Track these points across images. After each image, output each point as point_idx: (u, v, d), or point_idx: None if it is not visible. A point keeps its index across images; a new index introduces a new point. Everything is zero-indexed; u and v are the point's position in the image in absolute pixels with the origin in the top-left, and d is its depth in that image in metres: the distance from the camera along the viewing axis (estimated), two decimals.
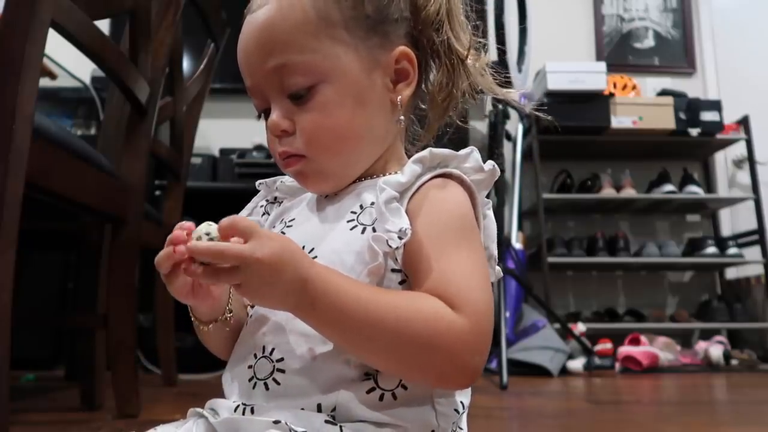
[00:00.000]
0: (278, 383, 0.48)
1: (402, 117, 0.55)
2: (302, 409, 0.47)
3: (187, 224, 0.46)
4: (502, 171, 2.65)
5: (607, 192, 3.00)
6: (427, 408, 0.49)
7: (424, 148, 0.53)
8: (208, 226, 0.45)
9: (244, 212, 0.63)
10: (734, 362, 2.61)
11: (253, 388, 0.49)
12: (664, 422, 1.36)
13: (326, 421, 0.46)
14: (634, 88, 3.14)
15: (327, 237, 0.52)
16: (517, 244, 2.74)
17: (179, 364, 1.84)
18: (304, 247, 0.51)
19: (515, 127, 2.96)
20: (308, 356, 0.48)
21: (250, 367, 0.50)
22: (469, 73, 0.56)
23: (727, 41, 3.38)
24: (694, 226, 3.33)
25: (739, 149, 3.22)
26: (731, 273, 3.22)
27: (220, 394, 0.52)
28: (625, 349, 2.48)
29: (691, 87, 3.27)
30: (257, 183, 0.63)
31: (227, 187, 2.57)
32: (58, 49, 1.12)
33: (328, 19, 0.51)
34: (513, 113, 2.69)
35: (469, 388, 0.53)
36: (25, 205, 0.84)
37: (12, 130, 0.82)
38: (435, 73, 0.57)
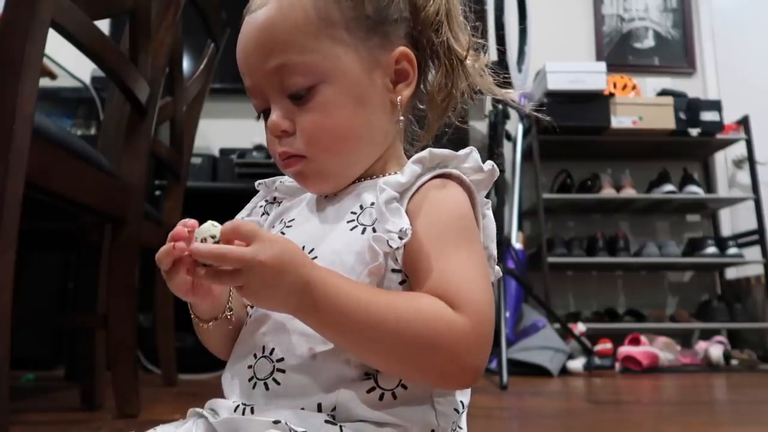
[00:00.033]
0: (278, 383, 0.48)
1: (401, 117, 0.55)
2: (302, 408, 0.47)
3: (191, 221, 0.46)
4: (502, 171, 2.66)
5: (607, 192, 3.00)
6: (426, 407, 0.49)
7: (423, 149, 0.53)
8: (213, 227, 0.45)
9: (243, 212, 0.63)
10: (734, 362, 2.61)
11: (253, 388, 0.49)
12: (664, 422, 1.36)
13: (326, 421, 0.46)
14: (634, 88, 3.14)
15: (327, 237, 0.52)
16: (517, 244, 2.75)
17: (179, 364, 1.84)
18: (303, 248, 0.51)
19: (515, 127, 2.96)
20: (308, 356, 0.48)
21: (250, 366, 0.50)
22: (468, 73, 0.56)
23: (727, 41, 3.38)
24: (694, 226, 3.33)
25: (739, 149, 3.22)
26: (731, 273, 3.22)
27: (220, 394, 0.52)
28: (625, 349, 2.48)
29: (691, 87, 3.27)
30: (256, 183, 0.63)
31: (227, 187, 2.57)
32: (58, 49, 1.13)
33: (328, 19, 0.51)
34: (513, 113, 2.69)
35: (469, 388, 0.53)
36: (25, 205, 0.84)
37: (12, 130, 0.82)
38: (434, 74, 0.57)
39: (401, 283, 0.49)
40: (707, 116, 2.96)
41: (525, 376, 2.18)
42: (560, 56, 3.05)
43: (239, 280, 0.43)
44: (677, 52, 3.41)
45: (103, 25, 2.23)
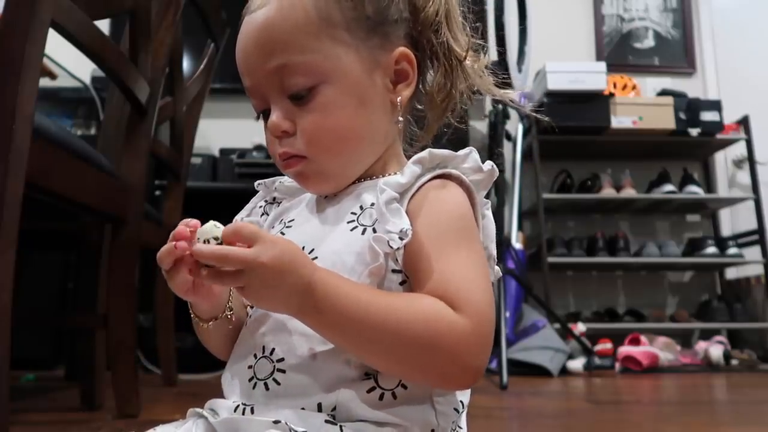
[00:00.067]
0: (278, 383, 0.48)
1: (401, 117, 0.56)
2: (302, 408, 0.47)
3: (193, 221, 0.46)
4: (502, 171, 2.66)
5: (607, 192, 3.00)
6: (426, 407, 0.49)
7: (422, 149, 0.53)
8: (215, 228, 0.45)
9: (243, 213, 0.63)
10: (734, 362, 2.61)
11: (253, 388, 0.49)
12: (664, 422, 1.36)
13: (326, 421, 0.46)
14: (634, 88, 3.14)
15: (327, 238, 0.52)
16: (517, 244, 2.74)
17: (179, 364, 1.84)
18: (304, 248, 0.51)
19: (515, 127, 2.96)
20: (308, 356, 0.48)
21: (250, 367, 0.50)
22: (467, 74, 0.56)
23: (727, 41, 3.38)
24: (694, 226, 3.33)
25: (739, 149, 3.22)
26: (731, 273, 3.22)
27: (220, 394, 0.52)
28: (625, 349, 2.48)
29: (691, 87, 3.27)
30: (256, 183, 0.63)
31: (227, 187, 2.57)
32: (58, 49, 1.13)
33: (329, 19, 0.51)
34: (513, 113, 2.69)
35: (469, 388, 0.53)
36: (25, 205, 0.84)
37: (12, 130, 0.82)
38: (433, 74, 0.57)
39: (402, 283, 0.49)
40: (707, 116, 2.96)
41: (525, 376, 2.18)
42: (560, 56, 3.05)
43: (241, 281, 0.43)
44: (677, 52, 3.41)
45: (103, 25, 2.23)
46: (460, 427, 0.53)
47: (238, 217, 0.62)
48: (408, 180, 0.51)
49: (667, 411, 1.59)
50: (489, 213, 0.55)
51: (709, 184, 3.28)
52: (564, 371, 2.32)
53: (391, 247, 0.47)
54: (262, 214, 0.61)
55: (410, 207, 0.50)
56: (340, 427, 0.46)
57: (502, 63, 2.03)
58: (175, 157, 1.76)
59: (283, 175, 0.58)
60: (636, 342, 2.53)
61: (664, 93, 3.13)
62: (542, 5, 2.95)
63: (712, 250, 2.95)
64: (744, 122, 3.05)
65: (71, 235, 1.61)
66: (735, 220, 3.27)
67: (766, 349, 2.88)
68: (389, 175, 0.54)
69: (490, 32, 2.02)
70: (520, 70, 2.35)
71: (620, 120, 2.93)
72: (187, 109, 1.83)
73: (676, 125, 2.95)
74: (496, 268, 0.56)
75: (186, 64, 1.88)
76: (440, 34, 0.55)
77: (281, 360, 0.49)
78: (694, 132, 2.96)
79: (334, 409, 0.47)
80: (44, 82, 1.97)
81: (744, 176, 3.23)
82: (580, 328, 2.52)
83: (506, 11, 2.11)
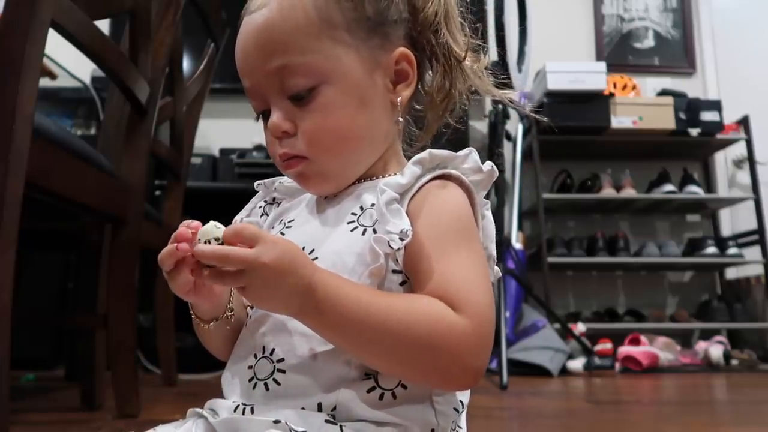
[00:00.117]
0: (278, 383, 0.48)
1: (401, 118, 0.56)
2: (302, 408, 0.47)
3: (195, 223, 0.46)
4: (502, 171, 2.66)
5: (607, 192, 3.00)
6: (426, 407, 0.49)
7: (422, 149, 0.53)
8: (215, 229, 0.45)
9: (242, 213, 0.63)
10: (734, 362, 2.61)
11: (254, 388, 0.49)
12: (664, 422, 1.36)
13: (326, 421, 0.46)
14: (634, 88, 3.14)
15: (328, 239, 0.52)
16: (517, 244, 2.75)
17: (179, 364, 1.84)
18: (304, 248, 0.51)
19: (515, 127, 2.96)
20: (309, 356, 0.48)
21: (250, 367, 0.50)
22: (467, 75, 0.56)
23: (727, 41, 3.38)
24: (694, 226, 3.33)
25: (739, 149, 3.22)
26: (731, 273, 3.22)
27: (220, 394, 0.52)
28: (625, 349, 2.48)
29: (691, 87, 3.27)
30: (255, 184, 0.63)
31: (227, 187, 2.57)
32: (58, 49, 1.13)
33: (329, 20, 0.51)
34: (513, 113, 2.69)
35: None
36: (25, 205, 0.85)
37: (12, 130, 0.82)
38: (433, 75, 0.57)
39: (402, 284, 0.49)
40: (707, 116, 2.96)
41: (525, 376, 2.18)
42: (560, 56, 3.05)
43: (242, 281, 0.43)
44: (677, 52, 3.41)
45: (103, 25, 2.23)
46: (460, 427, 0.53)
47: (237, 218, 0.62)
48: (408, 180, 0.51)
49: (667, 411, 1.59)
50: (489, 213, 0.55)
51: (709, 184, 3.28)
52: (564, 371, 2.32)
53: (392, 248, 0.47)
54: (262, 215, 0.61)
55: (410, 207, 0.50)
56: (340, 426, 0.46)
57: (502, 63, 2.03)
58: (175, 157, 1.76)
59: (283, 175, 0.58)
60: (636, 342, 2.53)
61: (664, 93, 3.13)
62: (542, 5, 2.95)
63: (712, 250, 2.95)
64: (744, 122, 3.05)
65: (71, 235, 1.61)
66: (735, 220, 3.27)
67: (766, 349, 2.88)
68: (389, 175, 0.54)
69: (490, 32, 2.02)
70: (520, 70, 2.35)
71: (620, 120, 2.94)
72: (187, 109, 1.83)
73: (676, 125, 2.95)
74: (496, 268, 0.56)
75: (186, 64, 1.88)
76: (440, 34, 0.56)
77: (281, 360, 0.49)
78: (694, 132, 2.96)
79: (334, 408, 0.47)
80: (44, 82, 1.97)
81: (744, 176, 3.23)
82: (580, 328, 2.52)
83: (506, 11, 2.11)
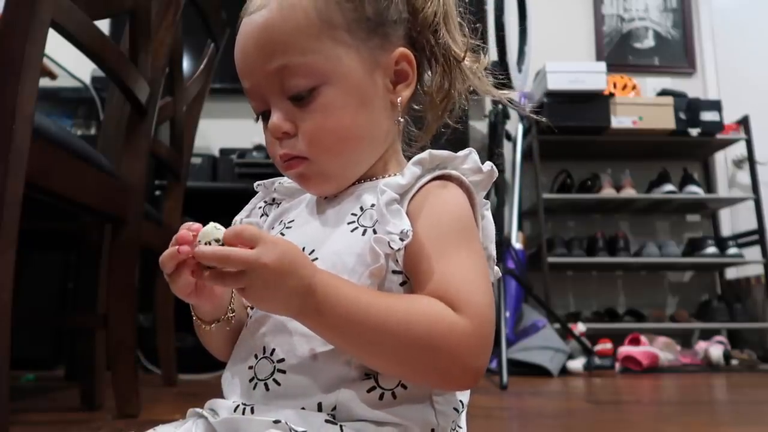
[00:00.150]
0: (278, 383, 0.48)
1: (401, 118, 0.56)
2: (302, 408, 0.47)
3: (195, 225, 0.46)
4: (502, 171, 2.66)
5: (607, 192, 3.00)
6: (426, 407, 0.49)
7: (422, 149, 0.53)
8: (216, 230, 0.45)
9: (242, 213, 0.63)
10: (734, 362, 2.61)
11: (254, 388, 0.49)
12: (664, 422, 1.36)
13: (327, 421, 0.46)
14: (634, 88, 3.14)
15: (328, 239, 0.52)
16: (517, 244, 2.75)
17: (179, 364, 1.84)
18: (304, 249, 0.51)
19: (515, 127, 2.96)
20: (309, 356, 0.48)
21: (250, 367, 0.50)
22: (466, 75, 0.56)
23: (727, 41, 3.38)
24: (694, 226, 3.33)
25: (739, 149, 3.22)
26: (731, 273, 3.22)
27: (220, 394, 0.52)
28: (625, 349, 2.48)
29: (691, 87, 3.27)
30: (255, 184, 0.63)
31: (227, 187, 2.57)
32: (58, 49, 1.13)
33: (330, 21, 0.51)
34: (513, 113, 2.69)
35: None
36: (25, 205, 0.85)
37: (12, 130, 0.82)
38: (432, 75, 0.58)
39: (402, 284, 0.49)
40: (707, 116, 2.97)
41: (525, 376, 2.18)
42: (560, 56, 3.05)
43: (242, 282, 0.43)
44: (677, 52, 3.41)
45: (103, 25, 2.23)
46: (460, 427, 0.53)
47: (237, 218, 0.62)
48: (408, 181, 0.51)
49: (667, 411, 1.59)
50: (488, 213, 0.56)
51: (709, 184, 3.28)
52: (564, 371, 2.32)
53: (392, 248, 0.47)
54: (262, 215, 0.61)
55: (410, 208, 0.50)
56: (341, 426, 0.46)
57: (502, 63, 2.03)
58: (175, 157, 1.76)
59: (283, 175, 0.58)
60: (636, 342, 2.53)
61: (664, 93, 3.13)
62: (542, 5, 2.95)
63: (712, 250, 2.95)
64: (744, 122, 3.05)
65: (71, 235, 1.61)
66: (735, 220, 3.27)
67: (766, 349, 2.88)
68: (389, 176, 0.55)
69: (491, 32, 2.02)
70: (520, 70, 2.35)
71: (620, 120, 2.94)
72: (187, 109, 1.83)
73: (676, 125, 2.95)
74: (496, 268, 0.56)
75: (186, 64, 1.88)
76: (439, 34, 0.56)
77: (281, 360, 0.49)
78: (694, 132, 2.96)
79: (334, 408, 0.47)
80: (44, 82, 1.96)
81: (744, 176, 3.23)
82: (580, 328, 2.52)
83: (506, 11, 2.11)
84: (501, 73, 0.60)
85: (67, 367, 2.03)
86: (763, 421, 1.40)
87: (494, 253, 0.55)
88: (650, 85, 3.30)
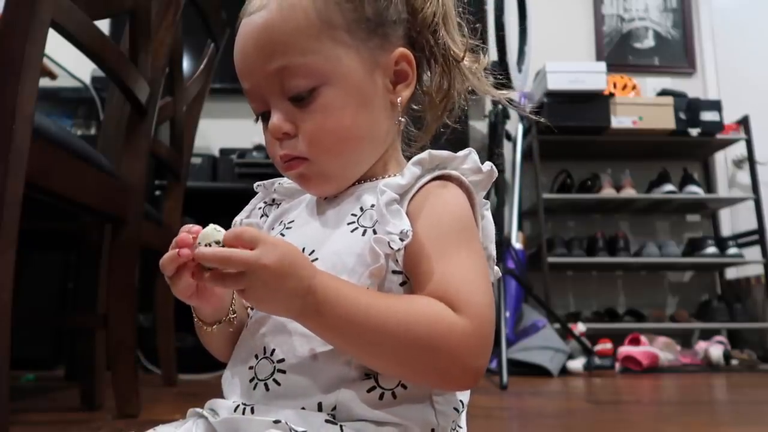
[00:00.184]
0: (278, 384, 0.48)
1: (401, 118, 0.56)
2: (303, 408, 0.47)
3: (195, 228, 0.46)
4: (502, 171, 2.66)
5: (607, 192, 3.00)
6: (426, 406, 0.49)
7: (421, 149, 0.53)
8: (216, 232, 0.45)
9: (242, 214, 0.63)
10: (734, 362, 2.61)
11: (254, 388, 0.49)
12: (664, 422, 1.36)
13: (327, 421, 0.46)
14: (634, 88, 3.14)
15: (328, 240, 0.52)
16: (517, 244, 2.75)
17: (179, 364, 1.84)
18: (304, 250, 0.51)
19: (515, 127, 2.96)
20: (309, 356, 0.48)
21: (251, 368, 0.50)
22: (465, 75, 0.56)
23: (727, 41, 3.38)
24: (694, 226, 3.33)
25: (739, 149, 3.22)
26: (731, 273, 3.22)
27: (220, 394, 0.52)
28: (625, 349, 2.48)
29: (691, 87, 3.27)
30: (255, 185, 0.63)
31: (227, 187, 2.57)
32: (58, 49, 1.13)
33: (329, 21, 0.51)
34: (513, 113, 2.69)
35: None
36: (25, 205, 0.85)
37: (12, 130, 0.82)
38: (431, 75, 0.58)
39: (402, 284, 0.49)
40: (707, 116, 2.96)
41: (525, 376, 2.18)
42: (560, 56, 3.05)
43: (243, 283, 0.44)
44: (677, 52, 3.41)
45: (103, 25, 2.23)
46: (460, 427, 0.53)
47: (237, 219, 0.62)
48: (408, 181, 0.51)
49: (667, 411, 1.60)
50: (488, 213, 0.56)
51: (709, 184, 3.28)
52: (564, 371, 2.32)
53: (392, 248, 0.47)
54: (262, 216, 0.61)
55: (410, 208, 0.50)
56: (341, 426, 0.46)
57: (502, 63, 2.03)
58: (175, 157, 1.76)
59: (283, 176, 0.58)
60: (636, 342, 2.53)
61: (664, 93, 3.13)
62: (542, 5, 2.95)
63: (712, 250, 2.95)
64: (744, 122, 3.05)
65: (71, 235, 1.61)
66: (735, 220, 3.27)
67: (766, 349, 2.88)
68: (389, 176, 0.55)
69: (491, 32, 2.02)
70: (520, 70, 2.35)
71: (620, 120, 2.93)
72: (187, 109, 1.83)
73: (676, 125, 2.95)
74: (496, 268, 0.56)
75: (186, 64, 1.88)
76: (438, 35, 0.56)
77: (281, 361, 0.49)
78: (694, 132, 2.96)
79: (334, 408, 0.47)
80: (44, 82, 1.97)
81: (744, 176, 3.23)
82: (580, 328, 2.52)
83: (506, 11, 2.11)
84: (501, 73, 0.60)
85: (67, 367, 2.03)
86: (763, 421, 1.40)
87: (494, 253, 0.55)
88: (650, 85, 3.30)
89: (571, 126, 2.84)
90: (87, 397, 1.33)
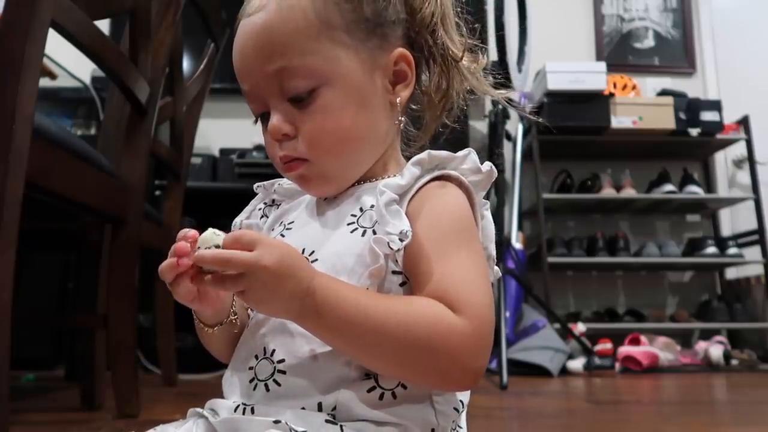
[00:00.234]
0: (279, 384, 0.48)
1: (401, 118, 0.56)
2: (303, 408, 0.47)
3: (192, 233, 0.46)
4: (502, 171, 2.66)
5: (607, 192, 3.00)
6: (426, 406, 0.49)
7: (421, 149, 0.53)
8: (215, 236, 0.45)
9: (242, 215, 0.63)
10: (734, 362, 2.61)
11: (254, 389, 0.49)
12: (664, 422, 1.36)
13: (327, 421, 0.46)
14: (634, 88, 3.14)
15: (328, 240, 0.52)
16: (517, 244, 2.75)
17: (179, 364, 1.84)
18: (303, 250, 0.51)
19: (515, 127, 2.96)
20: (309, 357, 0.48)
21: (251, 368, 0.50)
22: (464, 75, 0.56)
23: (727, 41, 3.38)
24: (694, 226, 3.33)
25: (739, 149, 3.22)
26: (731, 273, 3.22)
27: (220, 394, 0.52)
28: (625, 349, 2.48)
29: (691, 87, 3.27)
30: (255, 186, 0.63)
31: (227, 187, 2.57)
32: (58, 49, 1.13)
33: (328, 22, 0.51)
34: (513, 113, 2.69)
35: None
36: (25, 205, 0.85)
37: (12, 130, 0.82)
38: (430, 75, 0.58)
39: (402, 284, 0.49)
40: (707, 116, 2.96)
41: (525, 376, 2.18)
42: (560, 56, 3.05)
43: (242, 285, 0.44)
44: (677, 52, 3.41)
45: (103, 25, 2.24)
46: (460, 427, 0.53)
47: (237, 220, 0.62)
48: (407, 181, 0.51)
49: (667, 411, 1.60)
50: (488, 214, 0.56)
51: (709, 184, 3.28)
52: (564, 371, 2.32)
53: (392, 249, 0.47)
54: (262, 217, 0.61)
55: (410, 208, 0.50)
56: (341, 426, 0.46)
57: (502, 63, 2.03)
58: (175, 157, 1.76)
59: (282, 177, 0.58)
60: (636, 342, 2.53)
61: (664, 93, 3.13)
62: (542, 5, 2.95)
63: (712, 250, 2.95)
64: (744, 122, 3.05)
65: (71, 235, 1.61)
66: (735, 220, 3.27)
67: (766, 349, 2.88)
68: (389, 176, 0.55)
69: (491, 32, 2.02)
70: (520, 70, 2.35)
71: (620, 120, 2.93)
72: (187, 109, 1.83)
73: (676, 125, 2.95)
74: (496, 268, 0.56)
75: (186, 64, 1.88)
76: (437, 35, 0.56)
77: (282, 361, 0.49)
78: (694, 132, 2.96)
79: (334, 408, 0.47)
80: (44, 82, 1.97)
81: (744, 176, 3.23)
82: (580, 328, 2.52)
83: (506, 11, 2.11)
84: (500, 73, 0.60)
85: (67, 367, 2.03)
86: (763, 421, 1.40)
87: (494, 253, 0.55)
88: (650, 85, 3.30)
89: (571, 126, 2.84)
90: (87, 397, 1.33)
